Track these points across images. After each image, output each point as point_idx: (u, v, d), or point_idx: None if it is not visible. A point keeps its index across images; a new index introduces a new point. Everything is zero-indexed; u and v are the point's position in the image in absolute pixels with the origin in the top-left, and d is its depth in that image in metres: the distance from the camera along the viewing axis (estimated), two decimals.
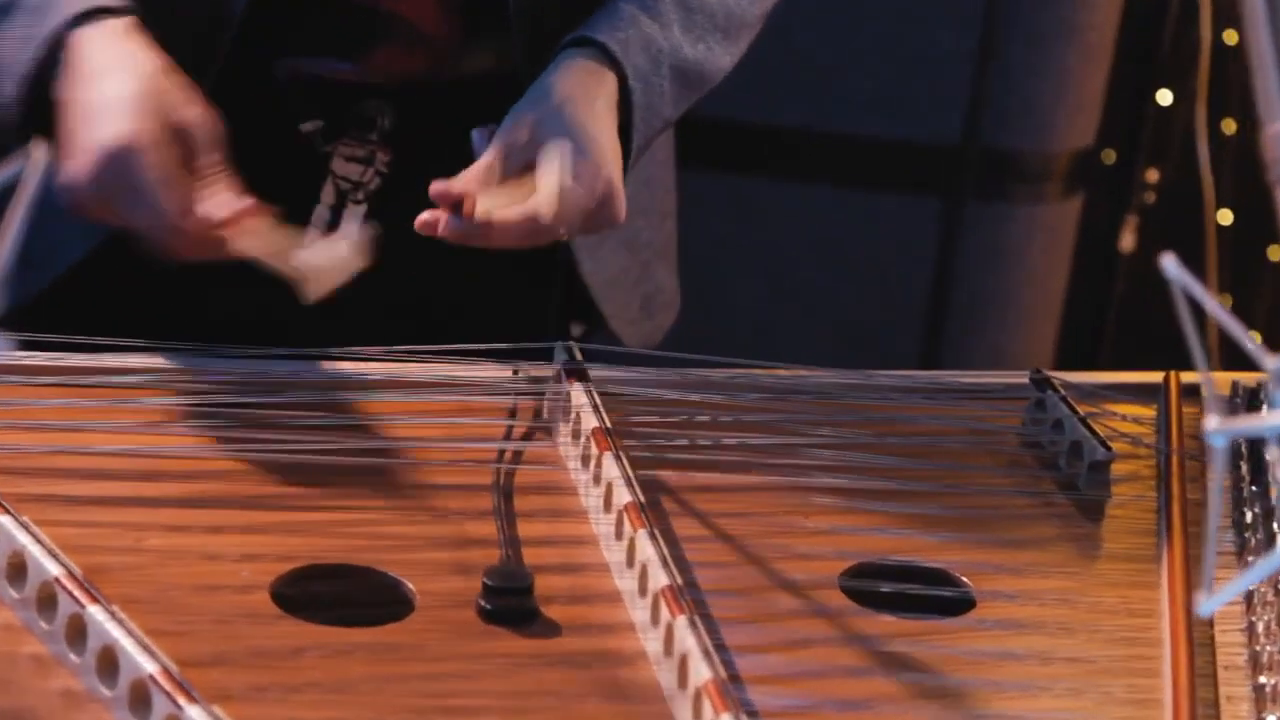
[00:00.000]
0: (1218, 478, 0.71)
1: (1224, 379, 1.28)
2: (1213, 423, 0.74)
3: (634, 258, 1.43)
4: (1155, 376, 1.29)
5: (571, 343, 1.21)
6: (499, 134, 1.19)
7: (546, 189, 1.14)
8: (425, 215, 1.14)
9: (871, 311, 2.29)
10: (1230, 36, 2.49)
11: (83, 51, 1.14)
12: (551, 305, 1.40)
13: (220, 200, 1.11)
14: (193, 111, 1.13)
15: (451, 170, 1.17)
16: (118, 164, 1.09)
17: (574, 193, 1.16)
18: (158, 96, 1.12)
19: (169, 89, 1.13)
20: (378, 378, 1.18)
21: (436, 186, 1.14)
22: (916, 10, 2.22)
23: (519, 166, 1.18)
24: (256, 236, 1.12)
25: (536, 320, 1.40)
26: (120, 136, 1.09)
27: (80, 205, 1.12)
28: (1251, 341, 0.75)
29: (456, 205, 1.14)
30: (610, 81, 1.23)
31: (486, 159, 1.17)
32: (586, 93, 1.21)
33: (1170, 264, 0.77)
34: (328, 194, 1.32)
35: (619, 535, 1.05)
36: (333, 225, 1.26)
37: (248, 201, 1.11)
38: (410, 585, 1.00)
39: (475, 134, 1.21)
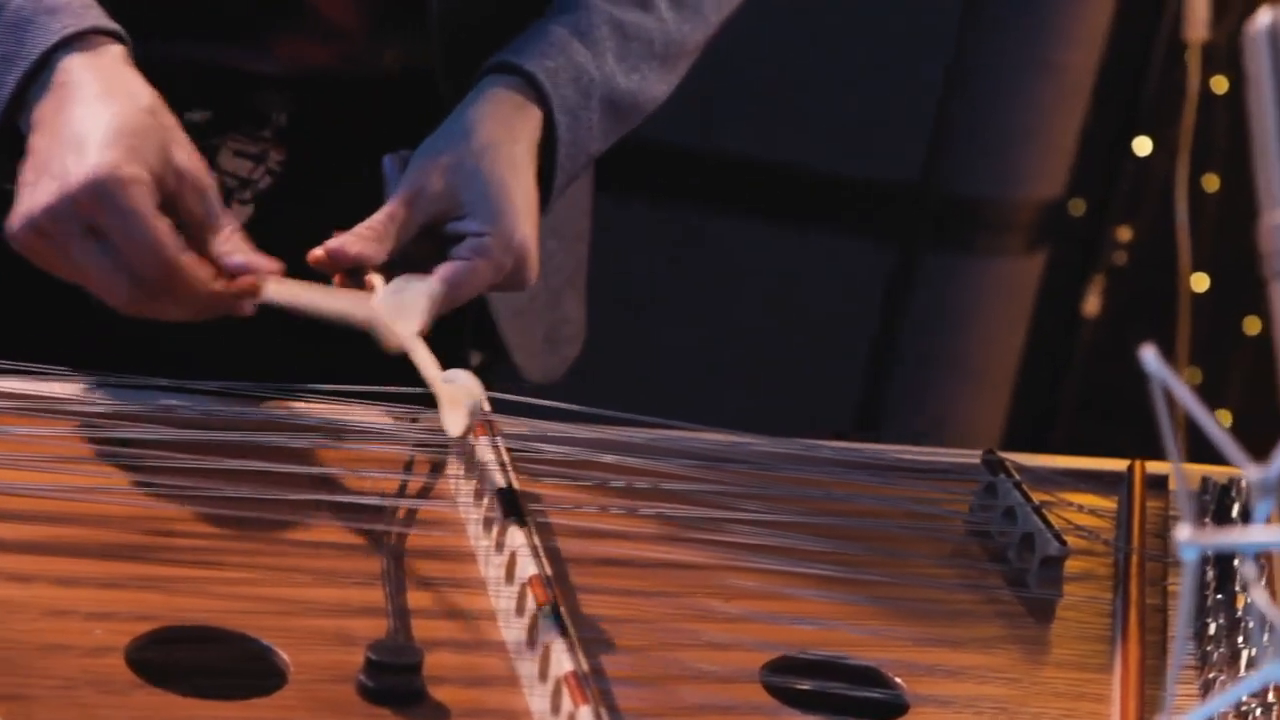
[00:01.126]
0: (1187, 594, 0.73)
1: (1193, 472, 1.31)
2: (1184, 533, 0.75)
3: (544, 283, 1.45)
4: (1119, 465, 1.31)
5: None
6: (408, 175, 1.20)
7: (454, 419, 1.15)
8: (321, 262, 1.16)
9: (806, 365, 2.31)
10: (1219, 84, 2.53)
11: (73, 75, 1.14)
12: (460, 334, 1.41)
13: (243, 251, 1.15)
14: (188, 155, 1.14)
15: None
16: (104, 194, 1.09)
17: (478, 271, 1.20)
18: (155, 133, 1.12)
19: (167, 126, 1.14)
20: (260, 418, 1.18)
21: (330, 247, 1.16)
22: (877, 34, 2.24)
23: (425, 219, 1.19)
24: (284, 287, 1.14)
25: (440, 350, 1.40)
26: (111, 165, 1.09)
27: (33, 244, 1.11)
28: (1235, 448, 0.77)
29: (353, 271, 1.16)
30: (535, 118, 1.25)
31: (390, 208, 1.19)
32: (509, 134, 1.23)
33: (1150, 357, 0.78)
34: None
35: (520, 611, 1.05)
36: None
37: (271, 261, 1.15)
38: (284, 655, 1.00)
39: (386, 161, 1.22)
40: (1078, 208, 2.53)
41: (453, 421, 1.14)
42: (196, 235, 1.15)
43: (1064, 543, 1.20)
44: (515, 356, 1.44)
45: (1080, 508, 1.27)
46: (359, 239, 1.17)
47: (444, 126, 1.23)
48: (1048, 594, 1.19)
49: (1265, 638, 0.94)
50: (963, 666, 1.11)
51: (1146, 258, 2.54)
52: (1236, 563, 1.16)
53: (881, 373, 2.31)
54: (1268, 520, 0.75)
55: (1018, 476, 1.26)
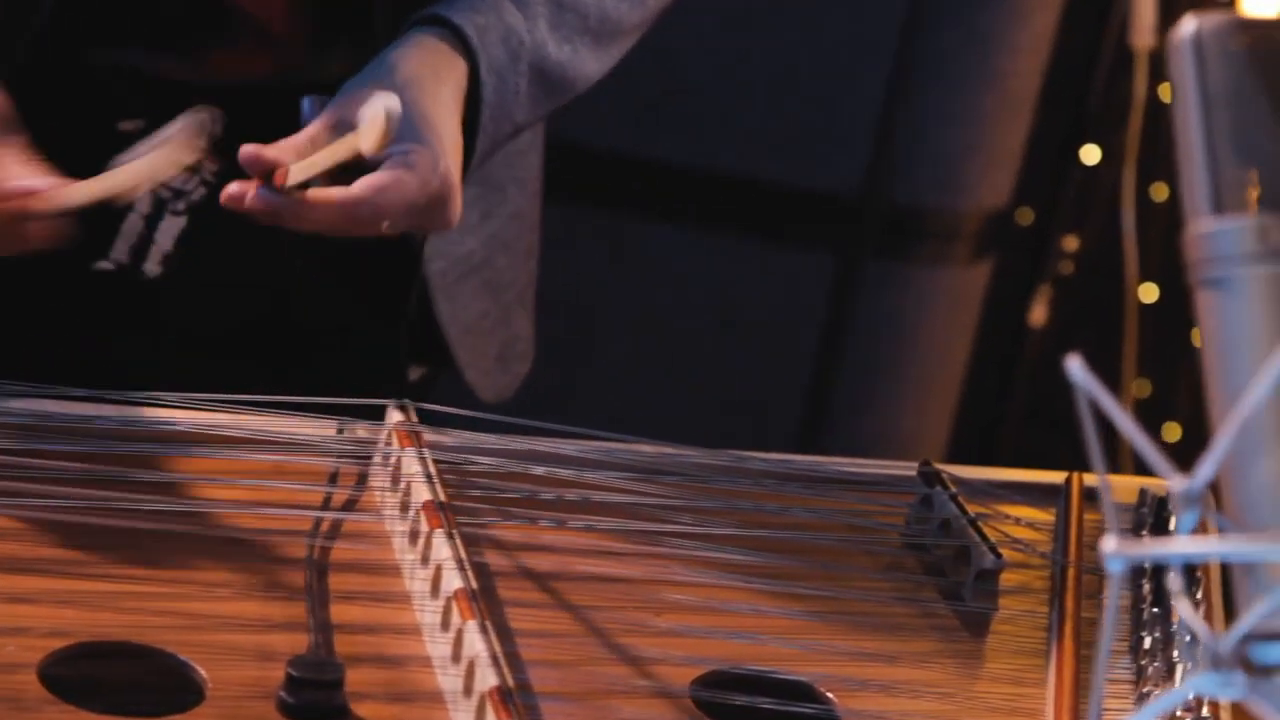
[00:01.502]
0: (1112, 607, 0.73)
1: (1130, 484, 1.32)
2: (1110, 544, 0.76)
3: (496, 301, 1.44)
4: (1057, 477, 1.32)
5: (407, 401, 1.21)
6: (330, 106, 1.19)
7: (370, 130, 1.14)
8: (232, 187, 1.14)
9: (749, 377, 2.32)
10: (1166, 92, 2.54)
11: None
12: (399, 348, 1.41)
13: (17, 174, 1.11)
14: None
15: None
16: None
17: (403, 182, 1.15)
18: None
19: None
20: (181, 428, 1.18)
21: (247, 150, 1.13)
22: (819, 40, 2.25)
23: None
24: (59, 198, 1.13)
25: (378, 363, 1.40)
26: None
27: None
28: (1160, 457, 0.77)
29: (268, 175, 1.13)
30: (460, 69, 1.23)
31: (310, 130, 1.17)
32: (434, 74, 1.21)
33: (1075, 366, 0.79)
34: (144, 202, 1.32)
35: (445, 626, 1.05)
36: (146, 236, 1.26)
37: (46, 180, 1.12)
38: (202, 671, 1.00)
39: (305, 102, 1.20)
40: (1025, 217, 2.54)
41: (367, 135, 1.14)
42: None
43: (999, 556, 1.21)
44: (468, 375, 1.43)
45: (1017, 520, 1.27)
46: (277, 148, 1.15)
47: (367, 68, 1.21)
48: (983, 607, 1.20)
49: (1192, 650, 0.95)
50: (896, 681, 1.12)
51: (1094, 267, 2.55)
52: (1170, 585, 1.17)
53: (825, 384, 2.32)
54: (1193, 531, 0.75)
55: (954, 489, 1.26)
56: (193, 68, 1.32)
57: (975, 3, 2.25)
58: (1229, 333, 0.78)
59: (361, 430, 1.20)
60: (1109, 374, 2.46)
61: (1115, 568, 0.76)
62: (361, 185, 1.14)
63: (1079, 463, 1.31)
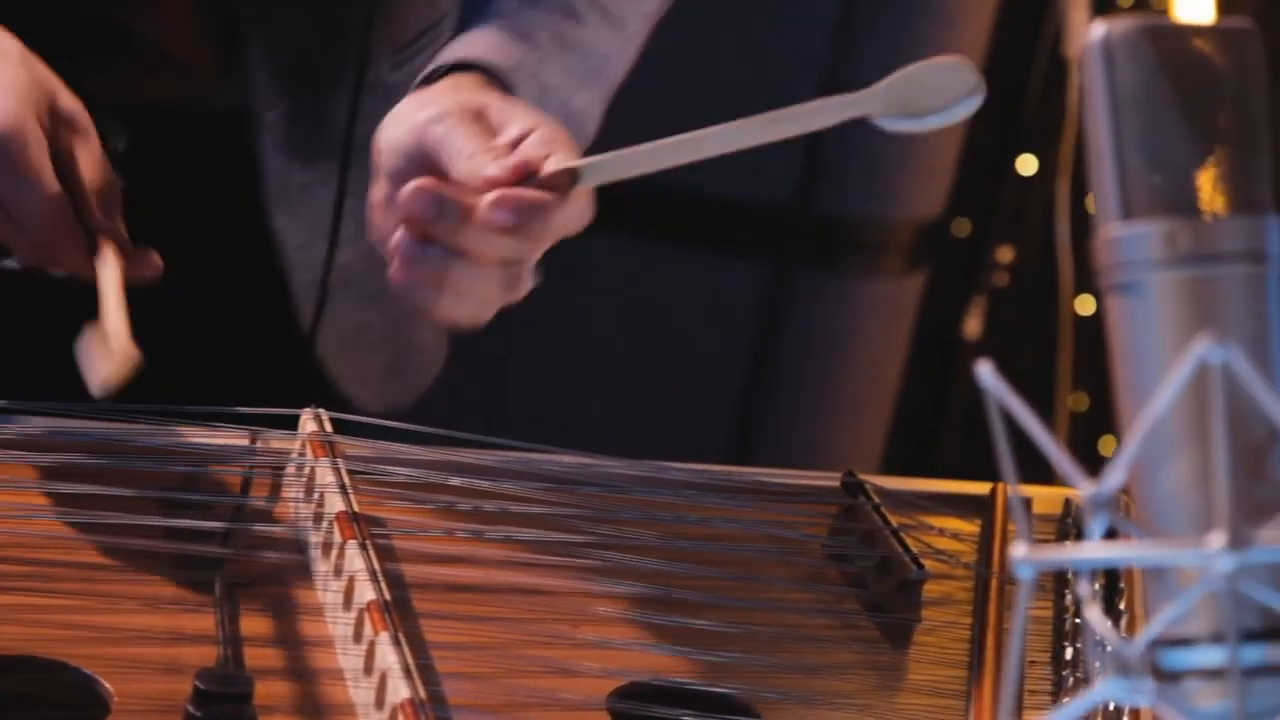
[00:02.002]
0: (1021, 614, 0.74)
1: (1056, 495, 1.33)
2: (1020, 550, 0.77)
3: (382, 313, 1.44)
4: (983, 488, 1.33)
5: (321, 410, 1.22)
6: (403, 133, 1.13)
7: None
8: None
9: (678, 390, 2.32)
10: None
11: None
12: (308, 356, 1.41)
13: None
14: (70, 99, 1.16)
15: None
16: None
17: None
18: (39, 82, 1.14)
19: (46, 73, 1.15)
20: (88, 438, 1.18)
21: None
22: (749, 51, 2.26)
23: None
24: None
25: (288, 373, 1.41)
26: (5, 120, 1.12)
27: None
28: (1070, 464, 0.79)
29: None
30: None
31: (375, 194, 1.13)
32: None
33: (986, 374, 0.80)
34: None
35: (358, 638, 1.05)
36: None
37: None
38: (107, 685, 1.00)
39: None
40: (962, 228, 2.56)
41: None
42: (75, 179, 1.16)
43: (921, 566, 1.22)
44: (345, 388, 1.43)
45: (941, 531, 1.29)
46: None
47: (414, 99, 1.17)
48: (905, 619, 1.21)
49: (1102, 657, 0.96)
50: (816, 692, 1.12)
51: (1029, 279, 2.57)
52: (1097, 585, 1.18)
53: (757, 396, 2.33)
54: (1103, 537, 0.77)
55: (877, 499, 1.27)
56: (100, 83, 1.32)
57: (907, 11, 2.26)
58: (1138, 338, 0.79)
59: (275, 440, 1.20)
60: (1045, 387, 2.48)
61: (1025, 574, 0.77)
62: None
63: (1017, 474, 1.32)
